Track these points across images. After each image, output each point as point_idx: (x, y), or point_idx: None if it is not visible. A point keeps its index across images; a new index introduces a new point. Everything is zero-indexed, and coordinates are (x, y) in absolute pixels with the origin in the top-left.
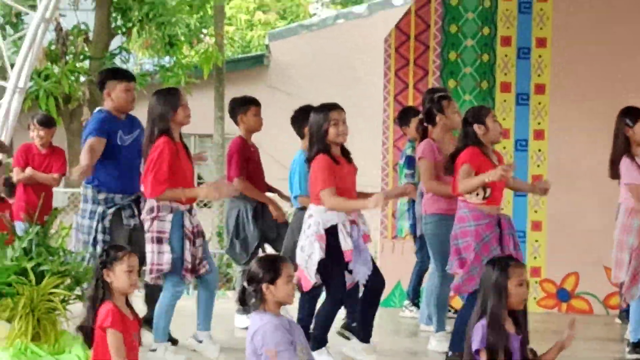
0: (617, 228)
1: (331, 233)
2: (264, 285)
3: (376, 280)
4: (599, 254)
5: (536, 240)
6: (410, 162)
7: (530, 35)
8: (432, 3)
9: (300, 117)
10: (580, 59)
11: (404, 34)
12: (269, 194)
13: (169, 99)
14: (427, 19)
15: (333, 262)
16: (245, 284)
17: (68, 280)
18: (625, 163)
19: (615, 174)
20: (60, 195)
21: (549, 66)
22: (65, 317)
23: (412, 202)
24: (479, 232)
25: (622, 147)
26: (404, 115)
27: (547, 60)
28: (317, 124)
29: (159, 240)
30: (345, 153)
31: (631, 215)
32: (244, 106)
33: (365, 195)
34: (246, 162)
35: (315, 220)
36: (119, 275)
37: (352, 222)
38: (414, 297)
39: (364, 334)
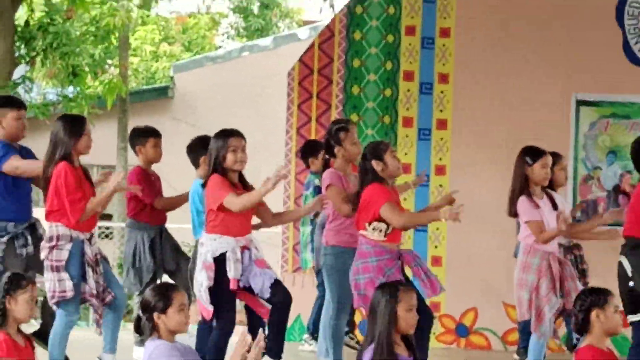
0: (517, 267)
1: (221, 261)
2: (155, 315)
3: (281, 294)
4: (497, 290)
5: (436, 276)
6: (319, 191)
7: (432, 71)
8: (336, 37)
9: (197, 146)
10: (482, 94)
11: (307, 67)
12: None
13: (74, 126)
14: (331, 53)
15: (222, 290)
16: (139, 313)
17: None
18: (522, 201)
19: (513, 211)
20: None
21: (451, 101)
22: None
23: (312, 235)
24: (381, 266)
25: (520, 186)
26: (310, 148)
27: (449, 95)
28: (215, 150)
29: (57, 269)
30: (243, 181)
31: (530, 254)
32: (143, 137)
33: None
34: (147, 186)
35: (206, 249)
36: (20, 304)
37: (244, 247)
38: (314, 330)
39: (276, 351)
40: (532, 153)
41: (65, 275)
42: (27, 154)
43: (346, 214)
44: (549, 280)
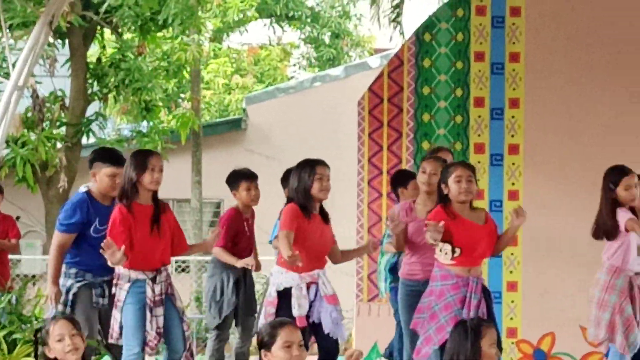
0: (596, 286)
1: (285, 296)
2: (262, 352)
3: (332, 341)
4: (575, 313)
5: (512, 301)
6: None
7: (503, 96)
8: (405, 65)
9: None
10: (555, 118)
11: (377, 96)
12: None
13: (138, 160)
14: (400, 82)
15: None
16: None
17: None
18: (620, 211)
19: (599, 234)
20: (38, 262)
21: (522, 126)
22: None
23: (391, 265)
24: (443, 292)
25: (608, 209)
26: (400, 178)
27: (520, 120)
28: (300, 178)
29: (116, 307)
30: (323, 211)
31: (615, 275)
32: (236, 181)
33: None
34: (234, 233)
35: (272, 282)
36: (52, 346)
37: (311, 283)
38: (390, 356)
39: None
40: (613, 175)
41: (117, 315)
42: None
43: (396, 249)
44: (629, 302)
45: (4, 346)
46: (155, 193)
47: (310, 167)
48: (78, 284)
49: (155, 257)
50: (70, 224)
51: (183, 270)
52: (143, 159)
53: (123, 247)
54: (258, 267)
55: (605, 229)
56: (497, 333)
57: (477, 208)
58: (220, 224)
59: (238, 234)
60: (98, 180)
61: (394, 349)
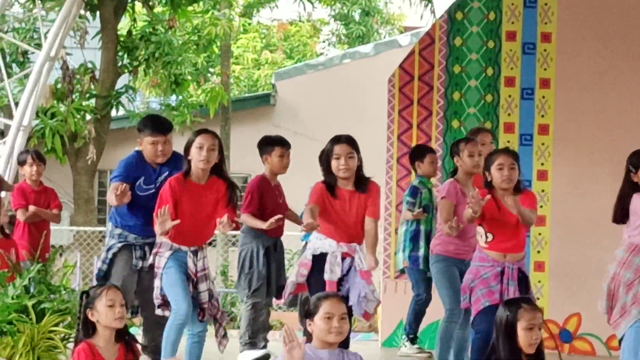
0: (613, 262)
1: (319, 260)
2: (307, 321)
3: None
4: (601, 295)
5: (539, 281)
6: (414, 192)
7: (534, 76)
8: (436, 43)
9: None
10: (585, 98)
11: (408, 74)
12: None
13: (191, 138)
14: (431, 60)
15: (317, 290)
16: None
17: (69, 319)
18: (635, 198)
19: (617, 218)
20: (65, 233)
21: (553, 107)
22: (65, 355)
23: (411, 234)
24: (479, 270)
25: (626, 193)
26: (416, 152)
27: (550, 100)
28: (324, 156)
29: (155, 275)
30: (360, 185)
31: (634, 253)
32: (269, 146)
33: None
34: (261, 198)
35: (309, 246)
36: (101, 312)
37: (347, 255)
38: (410, 332)
39: None
40: (635, 158)
41: (157, 282)
42: (174, 168)
43: (444, 232)
44: None
45: (33, 315)
46: (216, 170)
47: (331, 144)
48: (119, 244)
49: (198, 235)
50: (121, 174)
51: (210, 244)
52: (193, 137)
53: (177, 221)
54: (297, 221)
55: (620, 212)
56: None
57: (519, 194)
58: (247, 190)
59: (266, 200)
60: (143, 148)
61: (407, 322)
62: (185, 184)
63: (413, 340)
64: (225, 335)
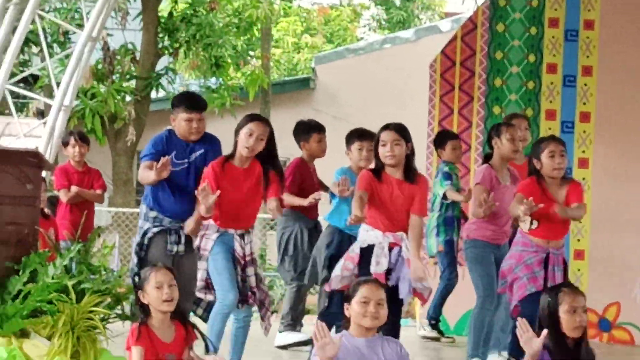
0: None
1: (367, 253)
2: (345, 305)
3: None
4: None
5: (578, 269)
6: (448, 176)
7: (576, 63)
8: (478, 29)
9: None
10: (628, 87)
11: (449, 59)
12: None
13: (241, 123)
14: (473, 45)
15: None
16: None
17: (108, 299)
18: None
19: None
20: (104, 214)
21: (595, 94)
22: (105, 336)
23: (445, 220)
24: (522, 255)
25: None
26: (439, 139)
27: (593, 88)
28: (374, 143)
29: (201, 257)
30: (408, 173)
31: None
32: (307, 132)
33: None
34: (300, 180)
35: (358, 238)
36: (150, 294)
37: (394, 245)
38: (432, 316)
39: None
40: None
41: (203, 264)
42: (209, 149)
43: (477, 216)
44: None
45: (73, 295)
46: (267, 155)
47: (379, 131)
48: (155, 229)
49: (244, 219)
50: (152, 153)
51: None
52: (244, 123)
53: (218, 192)
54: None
55: None
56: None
57: (566, 183)
58: (287, 172)
59: (305, 182)
60: (177, 125)
61: (431, 306)
62: (227, 167)
63: (435, 326)
64: (269, 320)
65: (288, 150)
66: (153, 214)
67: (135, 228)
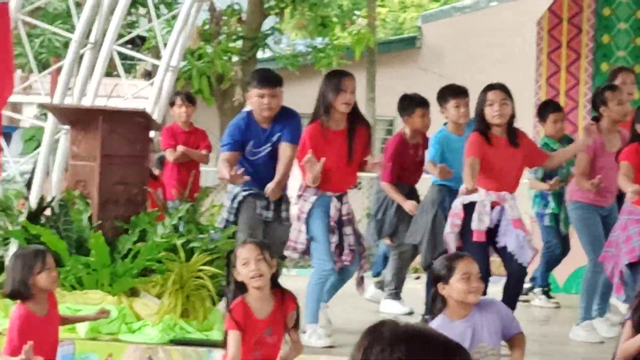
0: None
1: (470, 210)
2: (440, 285)
3: (516, 264)
4: None
5: None
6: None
7: None
8: None
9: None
10: None
11: (556, 16)
12: None
13: (331, 80)
14: (581, 2)
15: (468, 241)
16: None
17: (217, 258)
18: None
19: None
20: (211, 174)
21: None
22: (214, 295)
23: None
24: (627, 225)
25: None
26: (542, 110)
27: None
28: (478, 104)
29: (299, 218)
30: (512, 136)
31: None
32: (410, 107)
33: None
34: (399, 166)
35: (458, 196)
36: (240, 271)
37: (496, 204)
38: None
39: None
40: None
41: (303, 227)
42: (286, 127)
43: (581, 187)
44: None
45: (182, 254)
46: (352, 114)
47: (484, 92)
48: (244, 193)
49: (342, 181)
50: (230, 143)
51: (355, 186)
52: (337, 80)
53: (323, 159)
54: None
55: None
56: None
57: None
58: (386, 157)
59: (405, 162)
60: (251, 102)
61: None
62: (323, 131)
63: (547, 293)
64: (363, 279)
65: (392, 110)
66: (246, 177)
67: None
